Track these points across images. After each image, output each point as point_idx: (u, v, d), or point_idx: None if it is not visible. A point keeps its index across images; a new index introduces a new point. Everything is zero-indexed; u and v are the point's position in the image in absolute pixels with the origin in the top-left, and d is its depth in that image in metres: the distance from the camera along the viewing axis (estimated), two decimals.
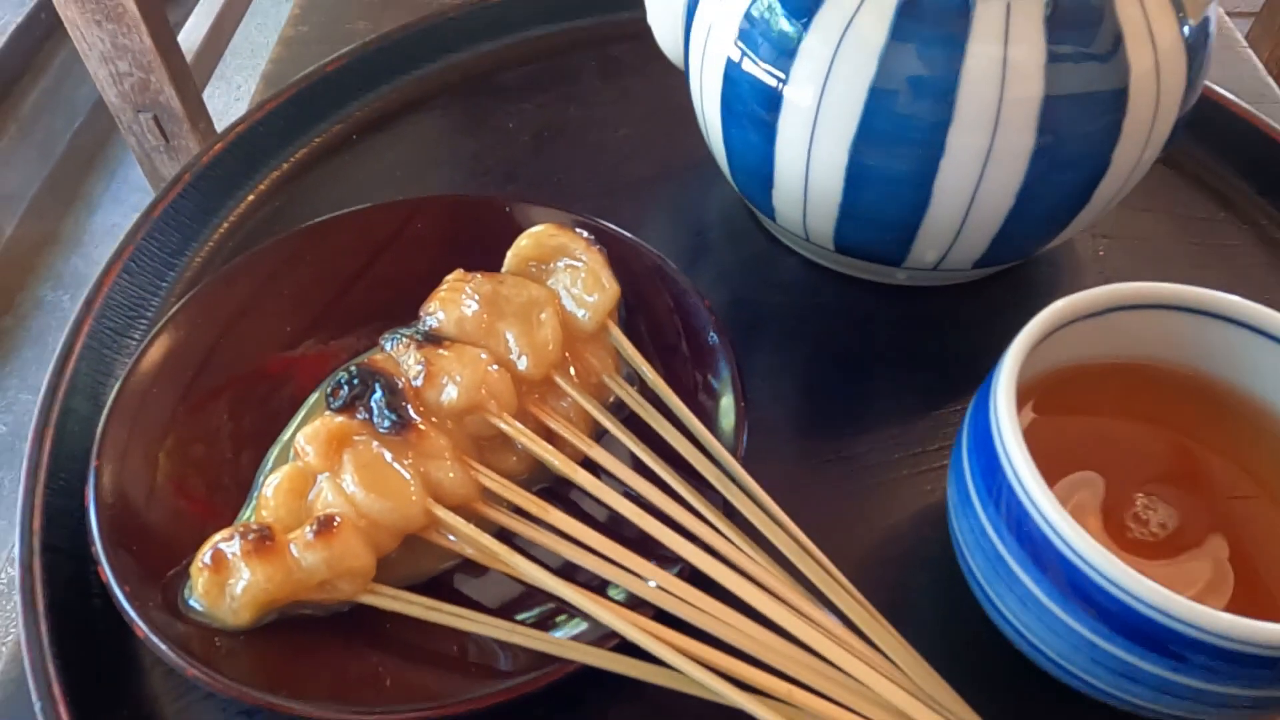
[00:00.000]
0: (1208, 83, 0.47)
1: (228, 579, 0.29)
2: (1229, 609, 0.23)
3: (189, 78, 1.31)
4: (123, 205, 1.49)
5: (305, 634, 0.30)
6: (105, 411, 0.33)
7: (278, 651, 0.29)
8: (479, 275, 0.36)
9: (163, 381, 0.35)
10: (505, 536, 0.32)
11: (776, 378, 0.40)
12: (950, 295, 0.41)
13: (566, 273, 0.37)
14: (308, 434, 0.31)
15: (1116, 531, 0.28)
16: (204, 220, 0.43)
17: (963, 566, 0.29)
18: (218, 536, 0.30)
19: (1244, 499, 0.28)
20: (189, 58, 1.34)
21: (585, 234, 0.38)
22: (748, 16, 0.35)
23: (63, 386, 0.35)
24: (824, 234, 0.38)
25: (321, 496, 0.30)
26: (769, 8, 0.34)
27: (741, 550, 0.30)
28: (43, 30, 1.58)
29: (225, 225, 0.43)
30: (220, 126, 1.39)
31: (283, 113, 0.46)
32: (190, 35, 1.39)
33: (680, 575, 0.30)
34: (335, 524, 0.29)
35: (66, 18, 1.17)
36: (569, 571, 0.31)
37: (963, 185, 0.33)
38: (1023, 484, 0.25)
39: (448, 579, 0.32)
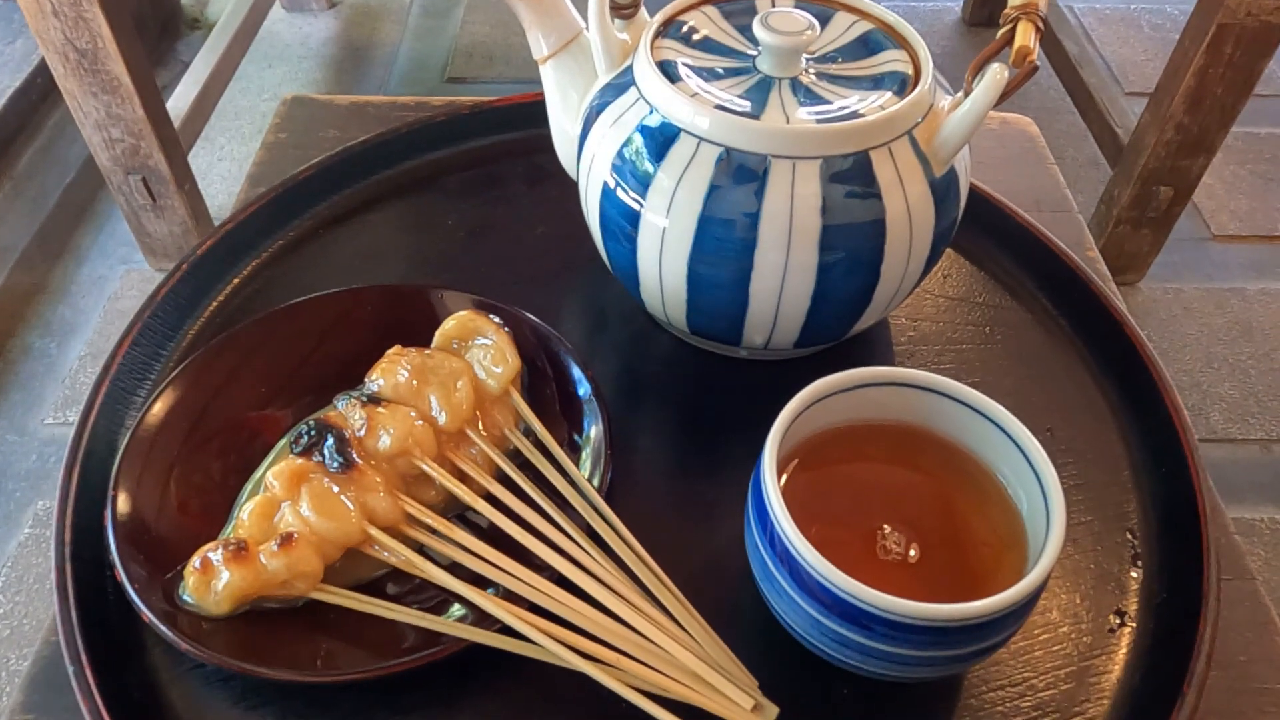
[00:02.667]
0: (1001, 196, 0.59)
1: (212, 579, 0.39)
2: (932, 596, 0.34)
3: (177, 143, 1.42)
4: (109, 258, 1.59)
5: (270, 621, 0.40)
6: (120, 453, 0.44)
7: (249, 633, 0.40)
8: (412, 350, 0.47)
9: (164, 430, 0.45)
10: (423, 551, 0.42)
11: (652, 430, 0.51)
12: (785, 367, 0.52)
13: (480, 349, 0.48)
14: (275, 472, 0.42)
15: (866, 547, 0.39)
16: (197, 300, 0.53)
17: (754, 573, 0.40)
18: (205, 548, 0.40)
19: (950, 514, 0.40)
20: (176, 123, 1.45)
21: (497, 319, 0.49)
22: (619, 153, 0.46)
23: (86, 433, 0.46)
24: (680, 320, 0.49)
25: (284, 519, 0.41)
26: (635, 150, 0.45)
27: (596, 560, 0.41)
28: (39, 94, 1.69)
29: (214, 304, 0.54)
30: (203, 184, 1.50)
31: (264, 212, 0.57)
32: (178, 102, 1.50)
33: (550, 579, 0.41)
34: (293, 539, 0.40)
35: (65, 89, 1.28)
36: (469, 577, 0.41)
37: (770, 289, 0.44)
38: (777, 517, 0.36)
39: (380, 582, 0.43)
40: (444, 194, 0.62)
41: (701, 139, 0.43)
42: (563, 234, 0.60)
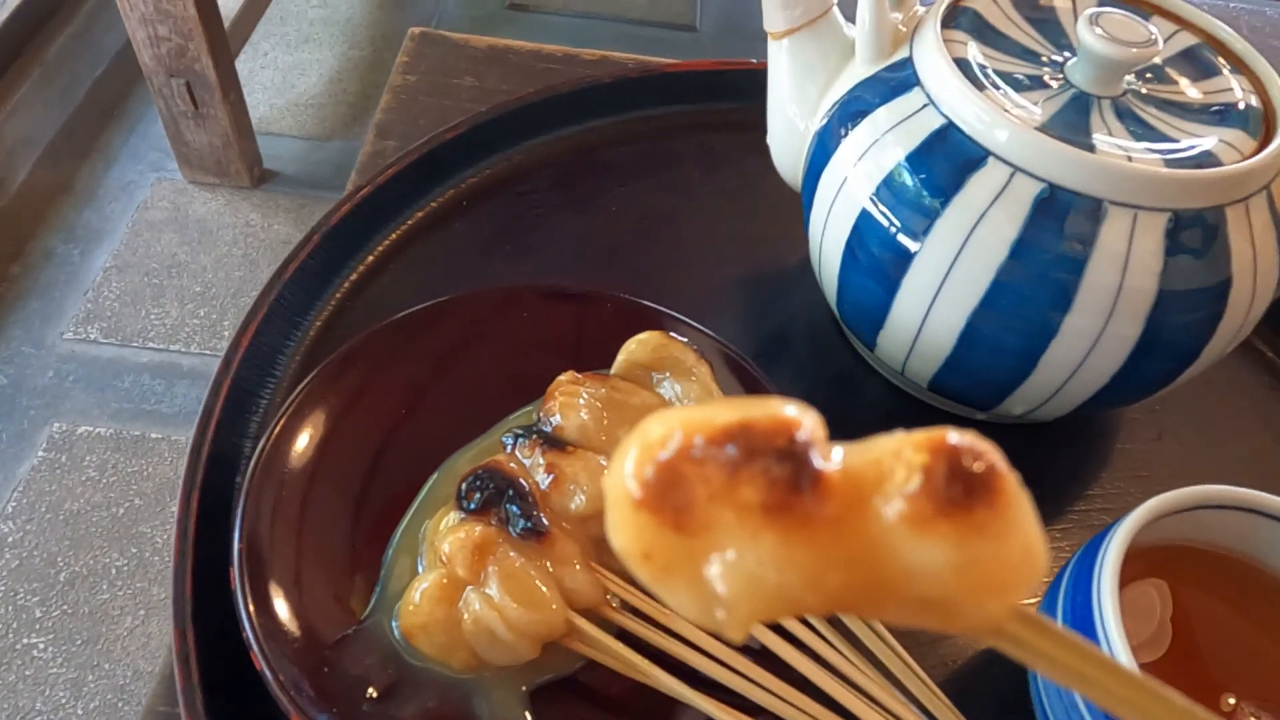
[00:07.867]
0: None
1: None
2: None
3: (225, 47, 1.31)
4: (140, 163, 1.48)
5: None
6: (248, 480, 0.35)
7: None
8: (593, 378, 0.39)
9: (300, 453, 0.37)
10: (624, 639, 0.34)
11: None
12: (1017, 434, 0.44)
13: (677, 383, 0.40)
14: (455, 543, 0.33)
15: None
16: (328, 280, 0.45)
17: None
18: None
19: None
20: (226, 25, 1.33)
21: (695, 347, 0.40)
22: (888, 182, 0.37)
23: (205, 447, 0.37)
24: (921, 375, 0.40)
25: (469, 606, 0.32)
26: (915, 172, 0.36)
27: (858, 668, 0.33)
28: None
29: (347, 285, 0.45)
30: (245, 93, 1.38)
31: (404, 177, 0.48)
32: (229, 2, 1.38)
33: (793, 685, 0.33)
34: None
35: None
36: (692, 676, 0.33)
37: (1068, 361, 0.36)
38: None
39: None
40: (606, 172, 0.53)
41: (1017, 169, 0.34)
42: (745, 235, 0.51)
